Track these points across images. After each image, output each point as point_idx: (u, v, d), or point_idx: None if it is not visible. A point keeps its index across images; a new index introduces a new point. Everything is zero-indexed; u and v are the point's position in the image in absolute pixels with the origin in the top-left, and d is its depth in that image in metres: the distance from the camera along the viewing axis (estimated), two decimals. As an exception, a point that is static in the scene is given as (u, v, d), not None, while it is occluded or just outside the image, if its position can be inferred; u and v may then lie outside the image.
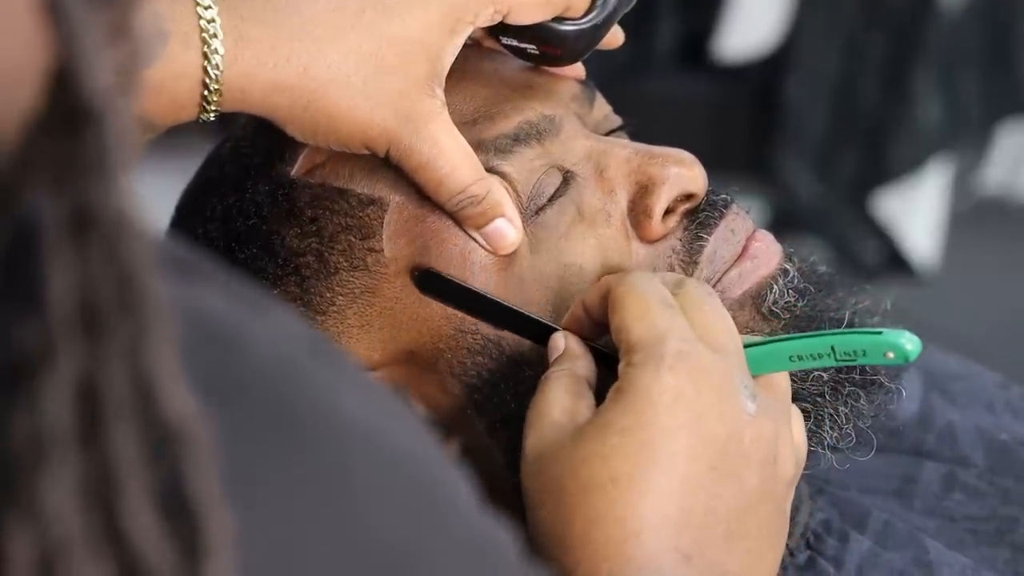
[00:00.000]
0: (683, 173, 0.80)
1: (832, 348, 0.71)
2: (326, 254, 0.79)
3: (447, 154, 0.76)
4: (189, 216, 0.84)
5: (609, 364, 0.73)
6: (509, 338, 0.79)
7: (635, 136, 0.87)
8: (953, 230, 2.77)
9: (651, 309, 0.70)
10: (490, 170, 0.79)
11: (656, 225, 0.80)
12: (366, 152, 0.77)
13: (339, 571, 0.45)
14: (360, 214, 0.79)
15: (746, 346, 0.72)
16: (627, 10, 0.82)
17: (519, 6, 0.78)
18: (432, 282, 0.78)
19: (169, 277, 0.42)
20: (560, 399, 0.71)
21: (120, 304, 0.40)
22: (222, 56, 0.72)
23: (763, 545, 0.69)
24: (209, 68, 0.72)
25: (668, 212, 0.81)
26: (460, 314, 0.79)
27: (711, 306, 0.72)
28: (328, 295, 0.79)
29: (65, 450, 0.39)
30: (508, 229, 0.78)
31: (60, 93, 0.40)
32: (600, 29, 0.81)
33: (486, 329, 0.78)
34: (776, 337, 0.73)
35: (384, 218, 0.79)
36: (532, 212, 0.80)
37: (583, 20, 0.81)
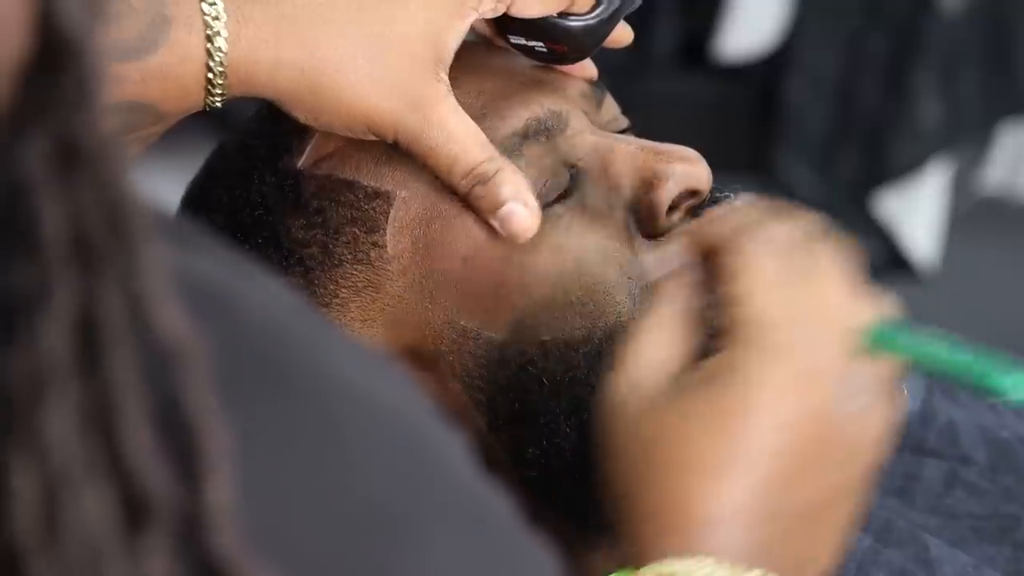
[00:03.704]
0: (688, 169, 0.80)
1: (972, 373, 0.66)
2: (331, 245, 0.79)
3: (456, 136, 0.76)
4: (195, 207, 0.84)
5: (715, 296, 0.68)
6: (512, 341, 0.78)
7: (638, 136, 0.87)
8: (953, 230, 2.77)
9: (768, 286, 0.66)
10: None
11: (660, 221, 0.80)
12: (371, 137, 0.77)
13: (327, 527, 0.45)
14: (366, 207, 0.79)
15: (869, 325, 0.67)
16: (634, 6, 0.82)
17: None
18: None
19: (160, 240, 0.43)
20: (662, 335, 0.67)
21: (110, 230, 0.41)
22: (225, 38, 0.73)
23: (834, 538, 0.67)
24: (213, 50, 0.73)
25: (672, 208, 0.81)
26: (463, 321, 0.79)
27: (835, 275, 0.67)
28: (332, 287, 0.80)
29: (64, 381, 0.40)
30: (522, 212, 0.77)
31: (40, 33, 0.41)
32: (607, 24, 0.81)
33: (488, 334, 0.78)
34: (919, 335, 0.67)
35: (389, 213, 0.79)
36: (540, 208, 0.79)
37: (589, 15, 0.81)
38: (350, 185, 0.79)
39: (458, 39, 0.77)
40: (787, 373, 0.64)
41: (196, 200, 0.84)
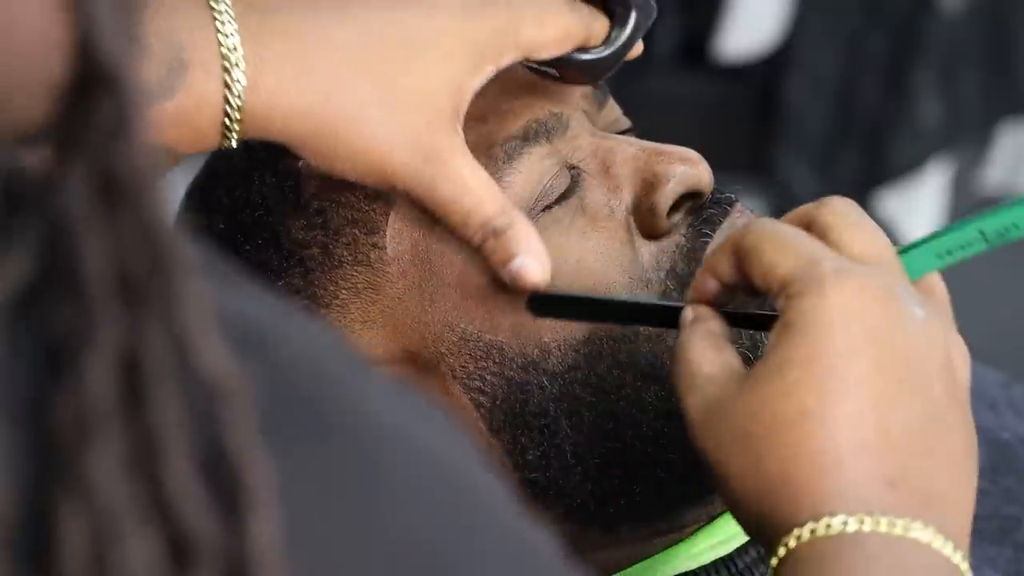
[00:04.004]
0: (689, 171, 0.80)
1: (981, 233, 0.70)
2: (331, 246, 0.79)
3: (471, 190, 0.75)
4: (195, 208, 0.84)
5: (744, 324, 0.73)
6: (512, 343, 0.78)
7: (639, 137, 0.87)
8: (953, 230, 2.76)
9: (790, 241, 0.68)
10: (501, 178, 0.78)
11: (662, 222, 0.80)
12: (383, 186, 0.76)
13: (372, 571, 0.44)
14: (367, 208, 0.79)
15: (900, 250, 0.71)
16: (646, 30, 0.81)
17: (541, 46, 0.78)
18: (545, 305, 0.76)
19: None
20: (705, 355, 0.69)
21: (153, 267, 0.41)
22: (244, 85, 0.72)
23: (959, 457, 0.67)
24: (230, 96, 0.72)
25: (673, 209, 0.80)
26: (463, 323, 0.78)
27: (859, 218, 0.70)
28: (332, 288, 0.79)
29: (109, 423, 0.40)
30: (533, 267, 0.76)
31: (78, 61, 0.40)
32: (621, 54, 0.81)
33: (489, 336, 0.78)
34: (922, 238, 0.72)
35: (390, 215, 0.79)
36: (539, 210, 0.79)
37: (602, 48, 0.80)
38: (351, 186, 0.79)
39: (474, 92, 0.77)
40: (845, 293, 0.66)
41: (197, 201, 0.84)
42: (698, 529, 0.82)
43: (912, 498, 0.65)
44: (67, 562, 0.39)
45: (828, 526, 0.64)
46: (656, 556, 0.81)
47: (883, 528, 0.64)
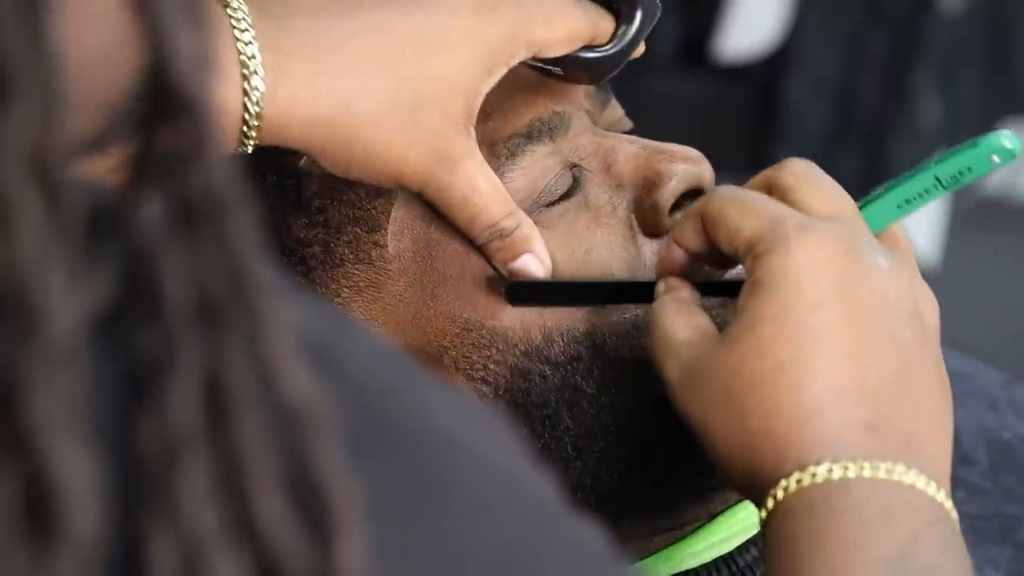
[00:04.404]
0: (691, 169, 0.80)
1: (937, 179, 0.72)
2: (332, 245, 0.79)
3: (481, 191, 0.76)
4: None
5: (714, 292, 0.75)
6: (516, 327, 0.78)
7: (640, 137, 0.87)
8: (953, 230, 2.77)
9: (753, 203, 0.71)
10: (503, 174, 0.78)
11: (664, 220, 0.80)
12: (396, 187, 0.77)
13: None
14: (368, 206, 0.79)
15: (860, 204, 0.74)
16: (650, 30, 0.82)
17: (550, 46, 0.78)
18: (523, 293, 0.77)
19: None
20: (677, 321, 0.72)
21: (233, 291, 0.40)
22: (262, 92, 0.72)
23: (934, 400, 0.69)
24: (249, 104, 0.72)
25: (675, 207, 0.81)
26: (466, 312, 0.78)
27: (818, 177, 0.73)
28: (333, 286, 0.79)
29: (195, 447, 0.39)
30: (535, 266, 0.78)
31: (151, 83, 0.40)
32: (627, 53, 0.81)
33: (492, 323, 0.78)
34: (879, 191, 0.74)
35: (391, 212, 0.79)
36: (541, 205, 0.79)
37: (608, 46, 0.80)
38: (352, 184, 0.79)
39: (486, 94, 0.77)
40: (810, 249, 0.68)
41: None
42: (699, 527, 0.82)
43: (892, 441, 0.67)
44: None
45: (814, 475, 0.66)
46: (657, 554, 0.81)
47: (867, 472, 0.66)
